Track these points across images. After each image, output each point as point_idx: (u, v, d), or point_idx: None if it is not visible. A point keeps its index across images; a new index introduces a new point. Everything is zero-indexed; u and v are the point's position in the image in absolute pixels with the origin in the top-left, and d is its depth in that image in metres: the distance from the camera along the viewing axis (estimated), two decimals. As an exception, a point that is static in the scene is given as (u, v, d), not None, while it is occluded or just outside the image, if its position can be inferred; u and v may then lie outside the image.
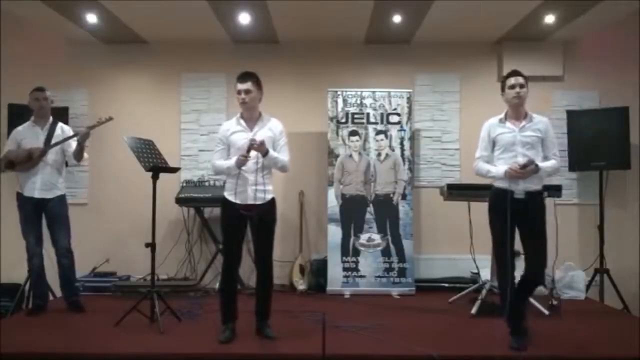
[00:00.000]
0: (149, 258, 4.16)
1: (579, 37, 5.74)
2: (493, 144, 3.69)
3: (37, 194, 4.43)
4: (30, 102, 4.53)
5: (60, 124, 4.61)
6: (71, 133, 4.54)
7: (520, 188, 3.54)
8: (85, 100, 5.84)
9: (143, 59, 5.95)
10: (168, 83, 5.94)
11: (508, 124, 3.64)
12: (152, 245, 4.14)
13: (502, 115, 3.69)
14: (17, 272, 5.23)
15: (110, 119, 4.42)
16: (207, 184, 5.62)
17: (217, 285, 5.40)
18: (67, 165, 4.65)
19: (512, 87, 3.60)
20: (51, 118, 4.60)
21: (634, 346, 3.50)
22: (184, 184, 5.62)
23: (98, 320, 4.21)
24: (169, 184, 5.11)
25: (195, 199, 5.43)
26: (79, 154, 4.47)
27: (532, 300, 4.23)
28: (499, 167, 3.60)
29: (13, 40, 5.72)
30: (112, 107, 5.66)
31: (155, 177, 4.16)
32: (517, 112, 3.64)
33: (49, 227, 4.52)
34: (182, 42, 5.80)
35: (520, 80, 3.59)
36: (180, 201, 5.43)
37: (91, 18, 5.14)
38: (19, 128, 4.56)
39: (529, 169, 3.47)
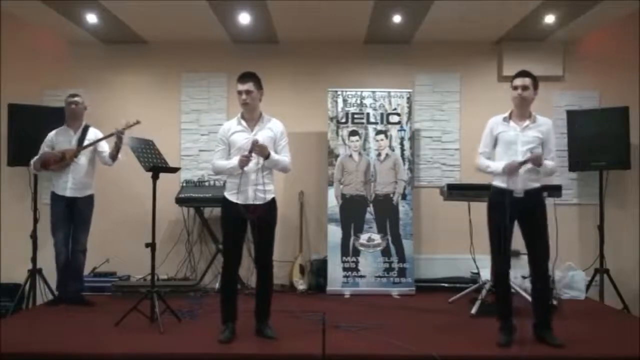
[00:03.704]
0: (149, 258, 4.16)
1: (579, 37, 5.74)
2: (495, 141, 3.72)
3: (68, 193, 4.65)
4: (65, 106, 4.78)
5: (91, 128, 4.82)
6: (102, 136, 4.77)
7: (520, 187, 3.57)
8: (85, 100, 5.81)
9: (143, 59, 5.95)
10: (168, 83, 5.94)
11: (512, 122, 3.67)
12: (152, 245, 4.14)
13: (506, 114, 3.72)
14: (17, 272, 5.23)
15: (138, 122, 4.56)
16: (207, 184, 5.62)
17: (217, 285, 5.41)
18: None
19: (515, 88, 3.63)
20: (84, 122, 4.82)
21: (634, 346, 3.50)
22: (184, 184, 5.62)
23: (98, 320, 4.22)
24: (169, 184, 5.11)
25: (195, 199, 5.42)
26: (115, 154, 4.68)
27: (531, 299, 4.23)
28: (498, 163, 3.65)
29: (13, 40, 5.72)
30: (112, 107, 5.67)
31: (155, 177, 4.16)
32: (521, 111, 3.66)
33: (74, 224, 4.73)
34: (182, 42, 5.80)
35: (526, 81, 3.61)
36: (180, 201, 5.43)
37: (91, 18, 5.13)
38: (53, 132, 4.76)
39: (535, 152, 3.48)
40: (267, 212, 3.69)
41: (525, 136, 3.61)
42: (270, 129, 3.76)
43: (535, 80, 3.65)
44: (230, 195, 3.69)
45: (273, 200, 3.77)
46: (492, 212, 3.66)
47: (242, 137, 3.69)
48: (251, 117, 3.75)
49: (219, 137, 3.80)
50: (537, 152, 3.53)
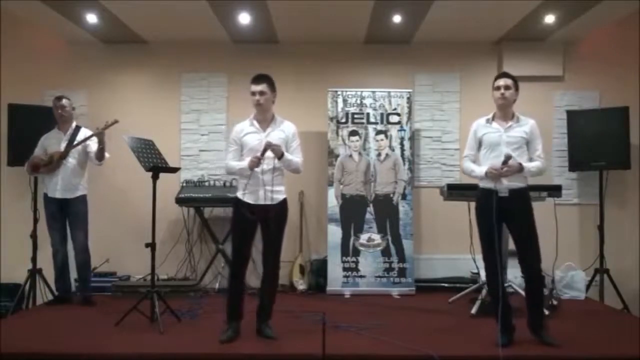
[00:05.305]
0: (149, 258, 4.16)
1: (579, 37, 5.73)
2: (479, 143, 3.75)
3: (58, 195, 4.67)
4: (52, 109, 4.79)
5: (82, 129, 4.82)
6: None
7: (504, 186, 3.58)
8: (85, 100, 5.83)
9: (143, 59, 5.95)
10: (168, 83, 5.93)
11: (494, 124, 3.71)
12: (152, 245, 4.14)
13: (489, 116, 3.75)
14: (17, 272, 5.24)
15: (116, 121, 4.53)
16: (207, 184, 5.62)
17: (217, 286, 5.44)
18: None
19: (498, 88, 3.66)
20: (74, 124, 4.83)
21: (634, 346, 3.50)
22: (184, 184, 5.62)
23: (98, 320, 4.22)
24: (169, 184, 5.12)
25: (195, 199, 5.43)
26: (100, 154, 4.66)
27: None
28: (482, 167, 3.67)
29: (13, 40, 5.72)
30: (112, 107, 5.67)
31: (155, 177, 4.16)
32: (504, 112, 3.69)
33: (69, 226, 4.75)
34: (182, 42, 5.80)
35: (508, 82, 3.65)
36: (180, 201, 5.43)
37: (91, 18, 5.13)
38: (46, 134, 4.79)
39: (510, 164, 3.50)
40: (277, 213, 3.70)
41: (508, 137, 3.63)
42: (282, 131, 3.78)
43: (516, 82, 3.70)
44: (242, 196, 3.71)
45: (284, 201, 3.78)
46: (480, 214, 3.68)
47: (255, 138, 3.71)
48: (263, 118, 3.77)
49: (232, 138, 3.83)
50: (509, 153, 3.53)
